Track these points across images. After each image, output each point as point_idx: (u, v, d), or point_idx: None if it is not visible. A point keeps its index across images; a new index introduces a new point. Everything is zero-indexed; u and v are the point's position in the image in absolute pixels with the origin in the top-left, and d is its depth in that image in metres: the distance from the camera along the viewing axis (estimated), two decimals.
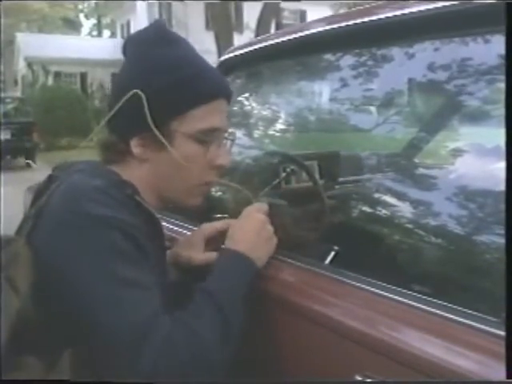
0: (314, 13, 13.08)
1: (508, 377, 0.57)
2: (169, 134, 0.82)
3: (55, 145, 12.78)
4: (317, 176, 2.07)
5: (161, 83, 0.82)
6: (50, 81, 16.35)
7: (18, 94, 16.33)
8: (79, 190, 0.76)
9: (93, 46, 19.36)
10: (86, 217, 0.73)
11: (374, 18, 0.95)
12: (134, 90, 0.81)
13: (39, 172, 8.00)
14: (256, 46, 1.28)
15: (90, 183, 0.77)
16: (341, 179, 2.31)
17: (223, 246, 0.88)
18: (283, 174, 2.01)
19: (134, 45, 0.87)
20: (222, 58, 1.40)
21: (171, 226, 1.22)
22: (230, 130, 0.93)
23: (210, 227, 0.97)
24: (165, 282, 0.84)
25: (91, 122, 13.08)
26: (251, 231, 0.88)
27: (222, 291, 0.78)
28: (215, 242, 0.96)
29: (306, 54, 1.31)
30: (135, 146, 0.83)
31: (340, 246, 1.11)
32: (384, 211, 1.33)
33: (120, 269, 0.72)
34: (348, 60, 1.27)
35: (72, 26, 30.43)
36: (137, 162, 0.85)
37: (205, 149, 0.85)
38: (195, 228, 1.14)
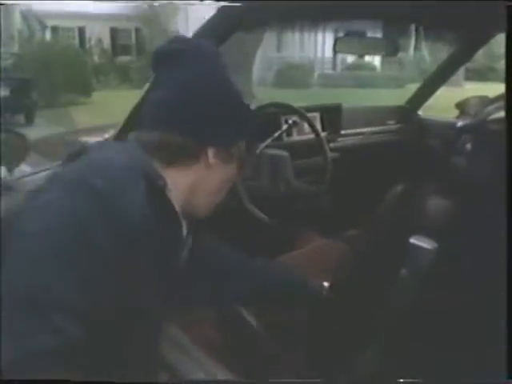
0: None
1: (508, 377, 0.58)
2: (236, 151, 0.92)
3: (54, 102, 12.64)
4: (319, 128, 2.05)
5: (240, 102, 0.92)
6: (47, 36, 16.01)
7: (16, 49, 16.02)
8: (96, 165, 0.77)
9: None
10: (85, 187, 0.72)
11: None
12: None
13: (39, 129, 7.95)
14: None
15: (113, 162, 0.78)
16: (344, 131, 2.29)
17: None
18: (285, 126, 1.99)
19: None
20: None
21: None
22: None
23: None
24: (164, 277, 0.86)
25: (90, 78, 12.87)
26: None
27: None
28: None
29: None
30: (212, 154, 0.88)
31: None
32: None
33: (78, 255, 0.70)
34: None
35: None
36: (199, 168, 0.88)
37: (238, 170, 0.97)
38: None
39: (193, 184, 0.89)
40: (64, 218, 0.70)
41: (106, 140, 0.93)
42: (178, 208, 0.88)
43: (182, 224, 0.91)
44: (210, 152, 0.87)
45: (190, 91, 0.86)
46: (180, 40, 0.92)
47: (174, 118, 0.85)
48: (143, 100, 1.44)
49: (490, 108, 1.30)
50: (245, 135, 0.94)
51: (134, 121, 1.50)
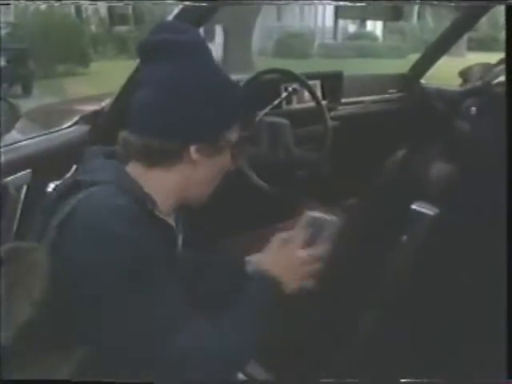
0: None
1: (508, 377, 0.58)
2: (222, 142, 0.91)
3: (52, 72, 12.49)
4: (319, 96, 2.01)
5: (225, 95, 0.90)
6: (43, 5, 15.72)
7: (11, 18, 15.78)
8: (105, 209, 0.81)
9: None
10: (111, 236, 0.79)
11: None
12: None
13: (37, 100, 7.87)
14: None
15: (115, 201, 0.82)
16: (344, 100, 2.26)
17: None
18: (285, 93, 1.96)
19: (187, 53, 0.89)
20: None
21: None
22: None
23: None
24: (177, 286, 0.89)
25: (87, 48, 12.68)
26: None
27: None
28: None
29: None
30: (195, 151, 0.88)
31: None
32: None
33: (138, 285, 0.79)
34: None
35: None
36: (184, 166, 0.90)
37: (232, 156, 0.96)
38: None
39: (181, 181, 0.91)
40: (106, 265, 0.78)
41: (94, 158, 0.94)
42: (173, 205, 0.93)
43: (174, 230, 0.94)
44: (192, 149, 0.88)
45: (171, 91, 0.87)
46: (167, 29, 0.91)
47: (153, 121, 0.87)
48: (137, 71, 1.42)
49: (496, 70, 1.27)
50: (231, 125, 0.93)
51: (129, 90, 1.48)
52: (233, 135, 0.93)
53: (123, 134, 0.91)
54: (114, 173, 0.88)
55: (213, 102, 0.88)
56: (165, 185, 0.90)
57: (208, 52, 0.92)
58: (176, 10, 1.30)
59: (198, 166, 0.90)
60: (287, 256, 0.96)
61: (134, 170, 0.90)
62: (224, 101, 0.90)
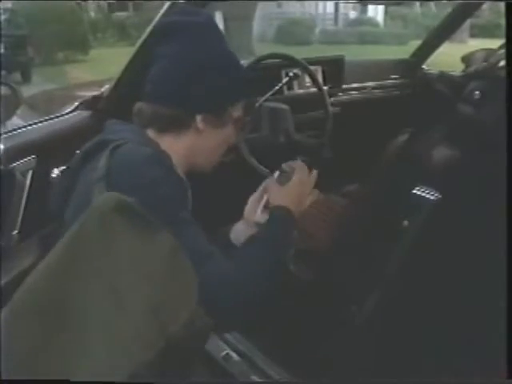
0: None
1: (508, 377, 0.58)
2: (226, 115, 1.01)
3: (52, 59, 12.43)
4: (321, 81, 2.00)
5: (232, 73, 0.99)
6: None
7: (9, 4, 15.64)
8: (139, 159, 0.88)
9: None
10: (153, 179, 0.85)
11: None
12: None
13: (36, 87, 7.83)
14: None
15: (144, 152, 0.89)
16: (346, 86, 2.24)
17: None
18: (285, 79, 1.94)
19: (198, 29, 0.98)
20: None
21: None
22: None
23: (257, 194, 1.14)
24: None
25: (87, 34, 12.60)
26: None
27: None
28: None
29: None
30: (201, 120, 0.98)
31: None
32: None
33: (185, 214, 0.87)
34: None
35: None
36: (191, 134, 0.99)
37: (234, 131, 1.05)
38: None
39: (189, 148, 1.00)
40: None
41: (115, 124, 1.02)
42: (183, 170, 1.00)
43: (187, 186, 1.00)
44: (199, 118, 0.97)
45: (181, 65, 0.96)
46: (179, 12, 1.03)
47: (164, 91, 0.96)
48: (136, 56, 1.41)
49: (499, 53, 1.26)
50: (235, 101, 1.02)
51: (128, 75, 1.47)
52: (236, 112, 1.02)
53: (138, 105, 1.00)
54: (135, 133, 0.97)
55: (220, 78, 0.97)
56: (175, 150, 0.97)
57: (218, 32, 1.01)
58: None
59: (203, 134, 0.99)
60: (285, 188, 1.07)
61: (150, 134, 0.99)
62: (230, 77, 0.99)
